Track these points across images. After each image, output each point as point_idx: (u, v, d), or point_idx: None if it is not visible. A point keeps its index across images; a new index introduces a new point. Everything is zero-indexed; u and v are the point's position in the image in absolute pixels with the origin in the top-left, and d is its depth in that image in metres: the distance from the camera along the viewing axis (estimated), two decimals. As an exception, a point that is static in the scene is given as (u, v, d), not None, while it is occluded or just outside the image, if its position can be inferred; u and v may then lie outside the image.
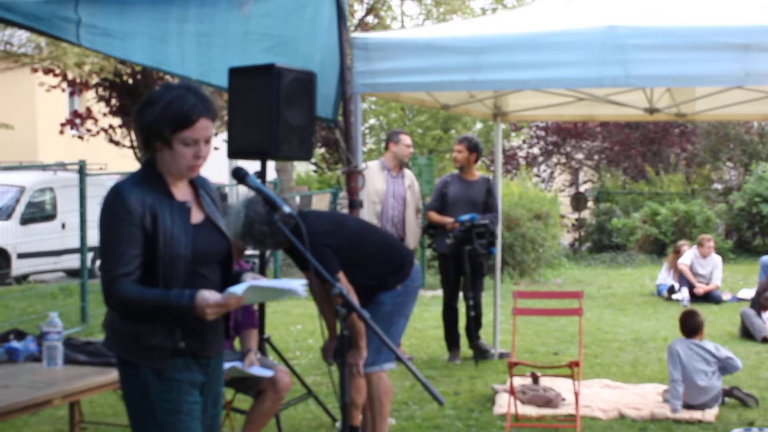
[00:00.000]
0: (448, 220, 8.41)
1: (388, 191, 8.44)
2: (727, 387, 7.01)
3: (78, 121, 18.69)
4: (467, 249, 8.25)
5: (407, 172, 8.73)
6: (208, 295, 3.12)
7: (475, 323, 8.58)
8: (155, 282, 3.21)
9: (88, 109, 18.62)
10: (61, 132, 18.88)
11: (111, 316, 3.35)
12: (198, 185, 3.43)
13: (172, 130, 3.21)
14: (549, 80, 5.89)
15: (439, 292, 9.28)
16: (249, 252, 7.32)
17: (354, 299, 4.82)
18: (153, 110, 3.23)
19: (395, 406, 6.85)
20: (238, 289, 3.13)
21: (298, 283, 3.21)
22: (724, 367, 6.78)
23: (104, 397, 6.74)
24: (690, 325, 6.85)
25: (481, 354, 8.50)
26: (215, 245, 3.37)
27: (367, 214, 8.32)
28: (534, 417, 6.61)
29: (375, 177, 8.40)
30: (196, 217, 3.37)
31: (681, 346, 6.72)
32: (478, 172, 8.84)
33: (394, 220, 8.48)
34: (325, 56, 5.91)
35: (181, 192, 3.36)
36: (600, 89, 7.62)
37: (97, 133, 18.54)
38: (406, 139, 8.61)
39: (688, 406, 6.63)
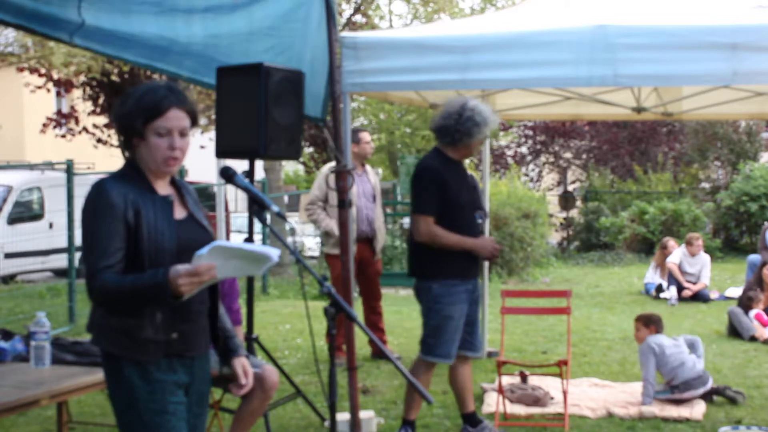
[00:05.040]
0: None
1: (358, 192, 8.42)
2: (716, 386, 7.06)
3: (63, 120, 18.63)
4: None
5: (368, 167, 8.74)
6: (179, 267, 3.08)
7: None
8: None
9: (72, 108, 18.56)
10: (43, 131, 18.82)
11: (94, 315, 3.34)
12: (180, 185, 3.46)
13: (144, 121, 3.25)
14: (538, 79, 5.89)
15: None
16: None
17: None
18: (127, 105, 3.29)
19: (383, 405, 6.86)
20: (203, 251, 3.06)
21: (273, 250, 3.14)
22: (692, 343, 7.18)
23: (92, 397, 6.73)
24: (660, 322, 7.12)
25: None
26: (199, 239, 3.36)
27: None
28: (522, 416, 6.62)
29: None
30: (179, 213, 3.39)
31: (655, 342, 6.89)
32: None
33: (369, 219, 8.48)
34: (315, 55, 5.90)
35: (164, 189, 3.38)
36: (587, 88, 7.64)
37: (80, 132, 18.48)
38: (365, 137, 8.61)
39: (705, 394, 6.92)
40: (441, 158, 5.81)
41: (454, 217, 5.71)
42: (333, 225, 8.05)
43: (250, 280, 5.93)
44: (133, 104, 3.27)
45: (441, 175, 5.72)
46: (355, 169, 8.49)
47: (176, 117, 3.28)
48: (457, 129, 5.71)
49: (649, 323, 7.03)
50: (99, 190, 3.22)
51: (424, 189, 5.74)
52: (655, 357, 6.84)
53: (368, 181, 8.60)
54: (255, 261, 3.19)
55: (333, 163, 8.75)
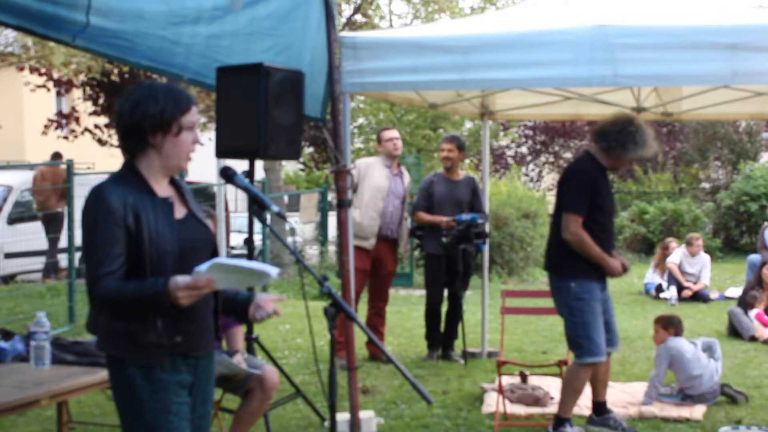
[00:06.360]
0: (441, 219, 8.34)
1: (389, 189, 8.40)
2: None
3: (63, 121, 18.64)
4: (461, 248, 8.21)
5: (404, 170, 8.70)
6: (179, 279, 3.09)
7: (454, 329, 8.55)
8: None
9: (73, 109, 18.55)
10: (45, 133, 18.82)
11: (96, 317, 3.34)
12: (178, 184, 3.46)
13: (179, 114, 3.27)
14: (538, 79, 5.89)
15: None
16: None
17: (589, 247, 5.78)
18: (150, 105, 3.26)
19: (383, 405, 6.86)
20: (202, 267, 3.08)
21: (272, 268, 3.16)
22: (709, 346, 7.11)
23: (92, 397, 6.72)
24: (680, 324, 7.07)
25: (463, 356, 8.46)
26: (200, 238, 3.38)
27: (369, 210, 8.29)
28: (522, 416, 6.62)
29: (378, 173, 8.37)
30: (179, 212, 3.38)
31: (675, 346, 6.86)
32: (462, 172, 8.79)
33: (393, 218, 8.44)
34: (314, 55, 5.90)
35: (163, 190, 3.36)
36: (587, 88, 7.64)
37: (82, 133, 18.47)
38: (386, 134, 8.56)
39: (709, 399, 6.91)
40: (594, 163, 5.98)
41: (598, 222, 5.89)
42: (355, 213, 8.03)
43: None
44: (163, 102, 3.25)
45: (594, 179, 5.91)
46: (391, 167, 8.49)
47: (195, 112, 3.35)
48: (615, 138, 5.89)
49: (669, 326, 7.01)
50: (98, 196, 3.20)
51: (576, 190, 5.89)
52: (671, 360, 6.84)
53: (401, 182, 8.57)
54: (255, 276, 3.24)
55: (368, 159, 8.78)
